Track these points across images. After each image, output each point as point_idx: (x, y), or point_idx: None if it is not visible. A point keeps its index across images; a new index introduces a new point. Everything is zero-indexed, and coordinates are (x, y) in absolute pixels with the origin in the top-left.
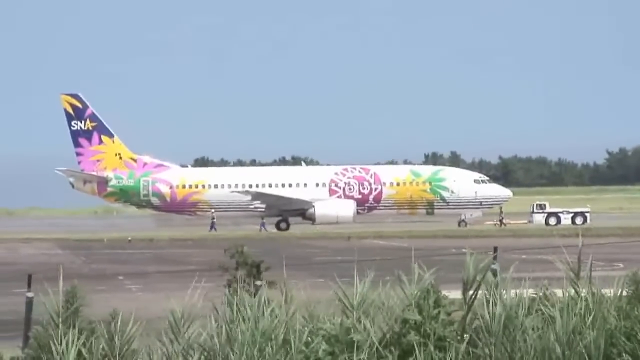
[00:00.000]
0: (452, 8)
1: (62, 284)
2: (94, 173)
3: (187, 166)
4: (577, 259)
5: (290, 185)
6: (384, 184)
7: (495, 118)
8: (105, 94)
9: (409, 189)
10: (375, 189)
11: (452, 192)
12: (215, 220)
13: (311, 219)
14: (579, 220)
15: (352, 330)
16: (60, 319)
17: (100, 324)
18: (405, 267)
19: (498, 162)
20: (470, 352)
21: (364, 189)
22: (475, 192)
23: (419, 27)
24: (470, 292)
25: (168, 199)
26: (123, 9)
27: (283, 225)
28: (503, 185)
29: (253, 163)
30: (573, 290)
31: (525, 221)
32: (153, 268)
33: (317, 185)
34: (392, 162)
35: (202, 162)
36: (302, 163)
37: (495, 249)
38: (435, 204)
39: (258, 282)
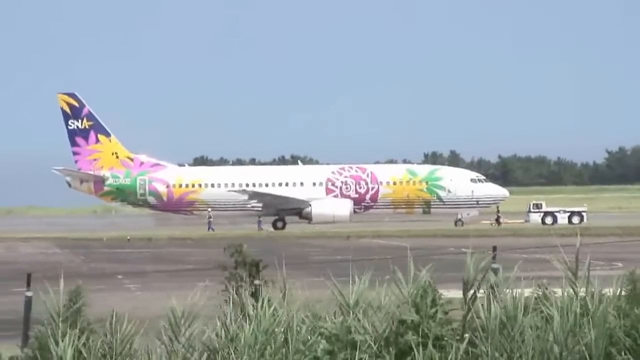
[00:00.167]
0: (449, 6)
1: (61, 283)
2: (91, 172)
3: (184, 165)
4: (575, 259)
5: (287, 185)
6: (381, 183)
7: (495, 117)
8: (103, 93)
9: (406, 188)
10: (372, 188)
11: (449, 191)
12: (212, 219)
13: (308, 218)
14: (575, 219)
15: (353, 330)
16: (60, 319)
17: (100, 323)
18: (404, 266)
19: (497, 161)
20: (470, 352)
21: (360, 188)
22: (472, 192)
23: (419, 27)
24: (471, 291)
25: (165, 198)
26: (120, 8)
27: (280, 224)
28: (502, 184)
29: (252, 162)
30: (572, 290)
31: (522, 220)
32: (152, 267)
33: (314, 184)
34: (391, 162)
35: (201, 161)
36: (299, 162)
37: (495, 249)
38: (431, 203)
39: (256, 282)
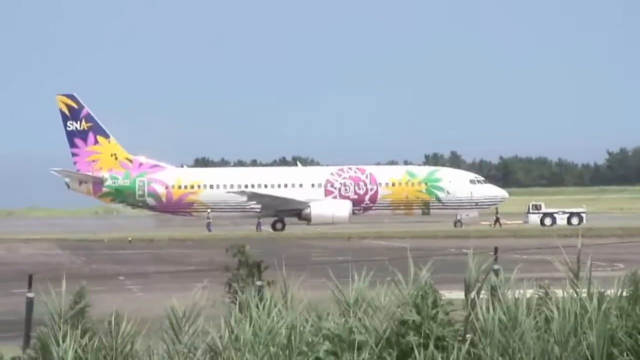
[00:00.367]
0: (450, 6)
1: (63, 284)
2: (90, 173)
3: (183, 166)
4: (577, 259)
5: (285, 186)
6: (380, 184)
7: (496, 118)
8: (103, 94)
9: (405, 190)
10: (371, 190)
11: (448, 192)
12: (210, 220)
13: (307, 219)
14: (574, 220)
15: (356, 331)
16: (62, 320)
17: (101, 324)
18: (405, 267)
19: (498, 162)
20: (472, 353)
21: (359, 189)
22: (471, 193)
23: (420, 27)
24: (472, 293)
25: (164, 200)
26: (120, 9)
27: (279, 225)
28: (504, 185)
29: (254, 163)
30: (573, 291)
31: (521, 221)
32: (153, 268)
33: (313, 185)
34: (392, 163)
35: (202, 163)
36: (298, 163)
37: (496, 250)
38: (431, 204)
39: (258, 282)
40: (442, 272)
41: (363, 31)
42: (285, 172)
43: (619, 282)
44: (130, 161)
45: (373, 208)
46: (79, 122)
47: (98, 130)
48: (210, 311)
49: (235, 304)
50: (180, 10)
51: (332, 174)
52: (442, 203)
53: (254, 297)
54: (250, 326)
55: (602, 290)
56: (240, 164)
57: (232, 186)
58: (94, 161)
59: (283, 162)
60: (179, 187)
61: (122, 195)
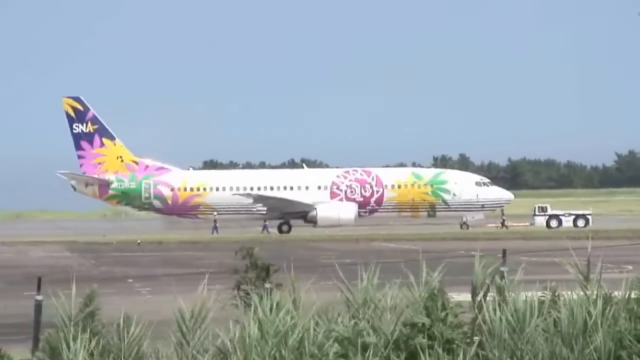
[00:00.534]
0: (458, 9)
1: (73, 287)
2: (96, 176)
3: (190, 169)
4: (587, 262)
5: (292, 188)
6: (386, 186)
7: (504, 120)
8: (110, 97)
9: (411, 192)
10: (377, 192)
11: (454, 194)
12: (217, 223)
13: (313, 221)
14: (580, 222)
15: (365, 333)
16: (72, 322)
17: (111, 327)
18: (415, 269)
19: (507, 164)
20: (480, 355)
21: (365, 191)
22: (477, 195)
23: (428, 31)
24: (479, 295)
25: (170, 202)
26: (124, 11)
27: (285, 228)
28: (512, 187)
29: (262, 165)
30: (582, 293)
31: (527, 223)
32: (162, 271)
33: (319, 188)
34: (401, 165)
35: (210, 165)
36: (304, 166)
37: (504, 252)
38: (436, 206)
39: (267, 285)
40: (451, 274)
41: (367, 31)
42: (291, 175)
43: (627, 284)
44: (136, 163)
45: (379, 210)
46: (84, 125)
47: (104, 132)
48: (220, 313)
49: (244, 306)
50: (190, 13)
51: (338, 176)
52: (448, 205)
53: (264, 299)
54: (259, 329)
55: (611, 292)
56: (248, 166)
57: (237, 188)
58: (100, 164)
59: (292, 165)
60: (185, 189)
61: (128, 198)
